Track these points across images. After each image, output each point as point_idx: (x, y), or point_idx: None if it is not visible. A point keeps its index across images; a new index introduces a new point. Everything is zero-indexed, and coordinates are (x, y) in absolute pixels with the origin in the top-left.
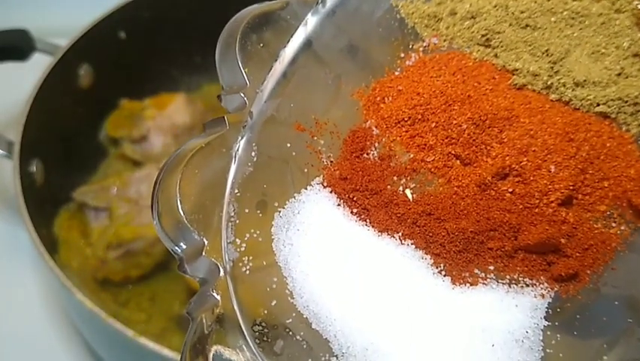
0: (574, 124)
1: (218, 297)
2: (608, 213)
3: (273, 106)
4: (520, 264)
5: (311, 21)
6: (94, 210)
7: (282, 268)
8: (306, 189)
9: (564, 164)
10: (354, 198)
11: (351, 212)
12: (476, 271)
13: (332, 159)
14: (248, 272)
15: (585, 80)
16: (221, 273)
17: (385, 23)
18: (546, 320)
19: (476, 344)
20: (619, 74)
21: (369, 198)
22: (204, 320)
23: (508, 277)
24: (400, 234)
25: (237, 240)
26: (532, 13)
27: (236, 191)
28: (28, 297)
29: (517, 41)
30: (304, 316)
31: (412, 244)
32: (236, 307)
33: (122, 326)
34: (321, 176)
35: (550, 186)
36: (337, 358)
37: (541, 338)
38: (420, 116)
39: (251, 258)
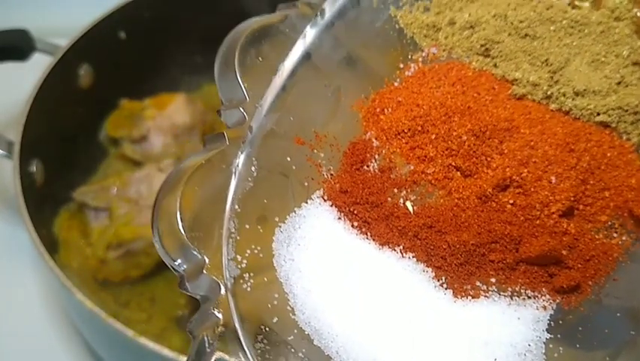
0: (574, 134)
1: (220, 315)
2: (610, 223)
3: (272, 120)
4: (521, 276)
5: (310, 33)
6: (94, 210)
7: (284, 284)
8: (307, 203)
9: (565, 175)
10: (355, 212)
11: (352, 225)
12: (478, 283)
13: (332, 172)
14: (249, 289)
15: (585, 90)
16: (222, 290)
17: (384, 34)
18: (548, 333)
19: (478, 357)
20: (619, 83)
21: (369, 211)
22: (206, 338)
23: (509, 289)
24: (401, 247)
25: (238, 256)
26: (532, 22)
27: (237, 207)
28: (28, 297)
29: (516, 51)
30: (306, 332)
31: (413, 257)
32: (237, 324)
33: (122, 326)
34: (322, 189)
35: (551, 198)
36: None
37: (543, 350)
38: (420, 128)
39: (252, 274)
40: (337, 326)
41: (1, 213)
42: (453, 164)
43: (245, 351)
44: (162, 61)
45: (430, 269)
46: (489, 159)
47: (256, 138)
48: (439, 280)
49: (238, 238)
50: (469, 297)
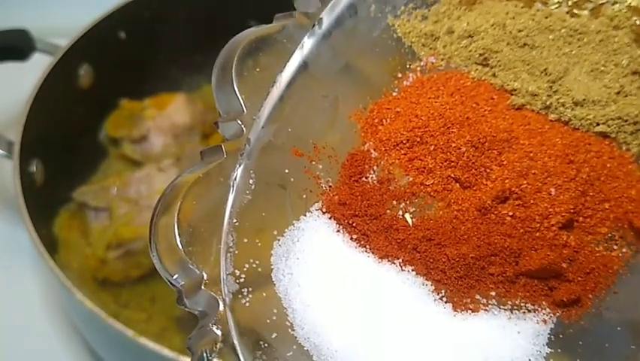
0: (574, 145)
1: (219, 331)
2: (610, 235)
3: (270, 132)
4: (521, 289)
5: (307, 43)
6: (94, 210)
7: (282, 298)
8: (305, 215)
9: (564, 187)
10: (354, 224)
11: (351, 238)
12: (478, 297)
13: (331, 184)
14: (248, 304)
15: (584, 99)
16: (221, 306)
17: (382, 43)
18: (548, 347)
19: None
20: (618, 93)
21: (368, 223)
22: (205, 354)
23: (509, 302)
24: (401, 260)
25: (236, 271)
26: (530, 31)
27: (235, 220)
28: (28, 297)
29: (515, 60)
30: (305, 348)
31: (412, 270)
32: (236, 341)
33: (122, 326)
34: (320, 202)
35: (550, 210)
36: None
37: None
38: (418, 139)
39: (250, 289)
40: (337, 342)
41: (1, 213)
42: (452, 175)
43: None
44: (162, 61)
45: (429, 283)
46: (488, 170)
47: (254, 151)
48: (438, 294)
49: (236, 252)
50: (469, 311)
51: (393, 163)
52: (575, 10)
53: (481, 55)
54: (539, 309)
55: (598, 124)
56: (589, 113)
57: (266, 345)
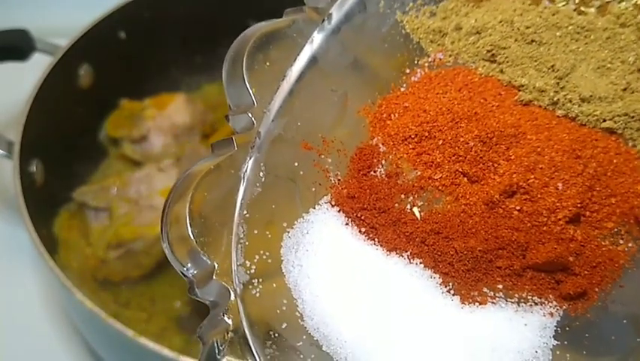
0: (581, 140)
1: (229, 321)
2: (616, 230)
3: (280, 125)
4: (528, 282)
5: (317, 38)
6: (94, 210)
7: (292, 289)
8: (314, 208)
9: (571, 181)
10: (362, 217)
11: (360, 231)
12: (485, 290)
13: (339, 177)
14: (258, 295)
15: (591, 96)
16: (232, 296)
17: (391, 39)
18: (555, 339)
19: None
20: (625, 89)
21: (377, 216)
22: (216, 344)
23: (516, 295)
24: (409, 253)
25: (247, 262)
26: (538, 28)
27: (245, 212)
28: (28, 297)
29: (522, 57)
30: (315, 338)
31: (420, 263)
32: (247, 330)
33: (122, 326)
34: (329, 195)
35: (557, 204)
36: None
37: (550, 357)
38: (427, 134)
39: (261, 280)
40: (346, 332)
41: (1, 213)
42: (460, 170)
43: (254, 357)
44: (162, 61)
45: (437, 275)
46: (496, 165)
47: (264, 144)
48: (446, 287)
49: (247, 243)
50: (477, 303)
51: (401, 157)
52: (582, 8)
53: (488, 51)
54: (546, 302)
55: (605, 120)
56: (596, 109)
57: (276, 335)
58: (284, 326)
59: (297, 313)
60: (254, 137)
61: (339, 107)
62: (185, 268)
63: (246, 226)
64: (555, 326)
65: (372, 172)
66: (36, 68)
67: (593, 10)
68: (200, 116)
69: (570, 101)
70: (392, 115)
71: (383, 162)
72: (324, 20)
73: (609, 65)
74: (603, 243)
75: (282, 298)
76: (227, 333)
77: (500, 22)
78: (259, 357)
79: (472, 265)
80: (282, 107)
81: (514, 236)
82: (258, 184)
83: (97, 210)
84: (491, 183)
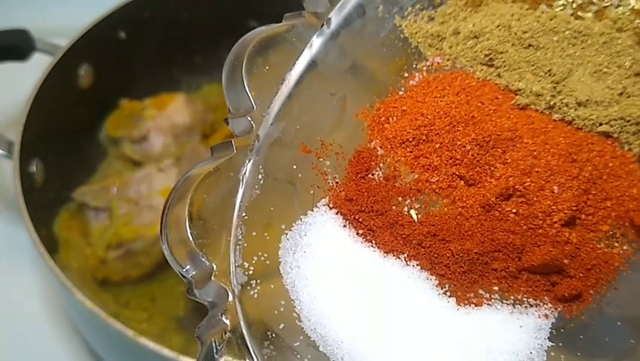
0: (577, 144)
1: (227, 321)
2: (611, 233)
3: (279, 128)
4: (524, 284)
5: (316, 43)
6: (94, 210)
7: (290, 291)
8: (312, 210)
9: (567, 185)
10: (360, 220)
11: (357, 233)
12: (481, 291)
13: (338, 180)
14: (256, 295)
15: (587, 100)
16: (230, 297)
17: (389, 43)
18: (550, 341)
19: None
20: (621, 94)
21: (374, 219)
22: (214, 344)
23: (512, 297)
24: (406, 255)
25: (245, 263)
26: (535, 32)
27: (244, 214)
28: (28, 297)
29: (519, 61)
30: (312, 339)
31: (417, 265)
32: (245, 330)
33: (122, 326)
34: (327, 197)
35: (553, 207)
36: None
37: (545, 358)
38: (424, 137)
39: (259, 281)
40: (342, 333)
41: (1, 213)
42: (457, 173)
43: (252, 357)
44: (162, 61)
45: (433, 277)
46: (492, 168)
47: (263, 147)
48: (442, 288)
49: (245, 245)
50: (472, 305)
51: (399, 160)
52: (579, 13)
53: (486, 55)
54: (541, 304)
55: (601, 124)
56: (592, 113)
57: (274, 335)
58: (281, 326)
59: (295, 314)
60: (253, 140)
61: (337, 110)
62: (184, 270)
63: (245, 228)
64: (550, 328)
65: (370, 175)
66: (36, 68)
67: (590, 15)
68: (200, 116)
69: (567, 105)
70: (390, 118)
71: (381, 165)
72: (323, 25)
73: (606, 70)
74: (598, 246)
75: (279, 299)
76: (225, 333)
77: (498, 26)
78: (256, 357)
79: (468, 267)
80: (281, 111)
81: (510, 239)
82: (256, 187)
83: (97, 210)
84: (488, 187)
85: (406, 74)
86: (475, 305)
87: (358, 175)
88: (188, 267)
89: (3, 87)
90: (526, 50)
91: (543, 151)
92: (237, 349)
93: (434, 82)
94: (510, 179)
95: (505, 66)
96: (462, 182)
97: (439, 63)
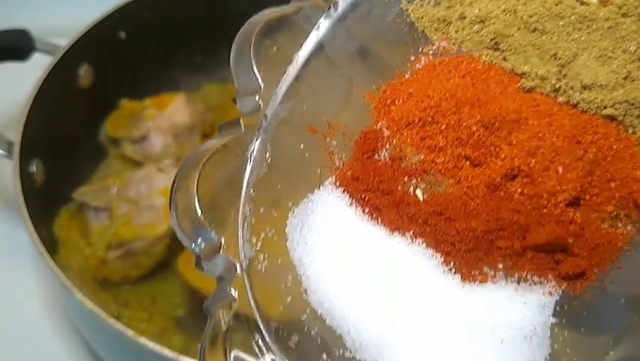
0: (581, 126)
1: (235, 294)
2: (615, 213)
3: (286, 108)
4: (528, 263)
5: (323, 25)
6: (94, 210)
7: (297, 266)
8: (319, 189)
9: (572, 165)
10: (366, 198)
11: (363, 212)
12: (485, 269)
13: (344, 160)
14: (263, 270)
15: (592, 84)
16: (238, 270)
17: (396, 27)
18: (554, 317)
19: (486, 340)
20: (626, 78)
21: (380, 198)
22: (222, 316)
23: (516, 275)
24: (411, 233)
25: (253, 238)
26: (541, 17)
27: (252, 191)
28: (28, 297)
29: (525, 45)
30: (318, 312)
31: (422, 242)
32: (252, 303)
33: (122, 326)
34: (334, 176)
35: (558, 187)
36: (351, 352)
37: (549, 334)
38: (430, 119)
39: (266, 256)
40: (348, 308)
41: (1, 213)
42: (462, 154)
43: (260, 329)
44: (162, 61)
45: (439, 255)
46: (498, 149)
47: (270, 126)
48: (447, 266)
49: (253, 220)
50: (477, 282)
51: (405, 142)
52: None
53: (492, 39)
54: (545, 282)
55: (605, 107)
56: (597, 96)
57: (281, 308)
58: (288, 300)
59: (302, 289)
60: (261, 119)
61: (344, 92)
62: (192, 243)
63: (253, 205)
64: (554, 305)
65: (376, 156)
66: (36, 68)
67: (595, 0)
68: (200, 116)
69: (572, 89)
70: (396, 100)
71: (387, 145)
72: (330, 7)
73: (610, 54)
74: (602, 226)
75: (286, 274)
76: (233, 305)
77: (504, 11)
78: (264, 329)
79: (473, 245)
80: (289, 91)
81: (514, 218)
82: (264, 165)
83: (97, 210)
84: (493, 167)
85: (412, 58)
86: (480, 282)
87: (365, 155)
88: (197, 240)
89: (3, 87)
90: (531, 34)
91: (548, 133)
92: (246, 324)
93: (440, 65)
94: (515, 160)
95: (510, 50)
96: (467, 162)
97: (445, 47)
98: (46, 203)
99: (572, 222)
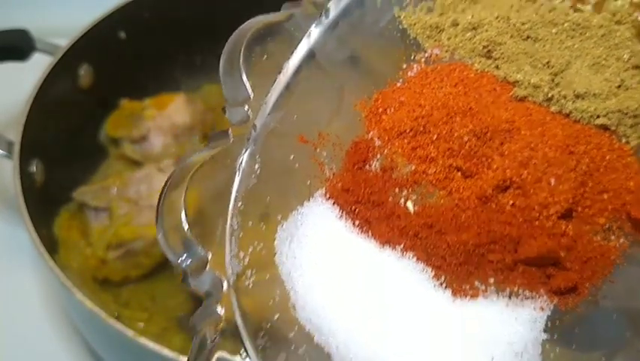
0: (574, 136)
1: (222, 311)
2: (608, 225)
3: (276, 118)
4: (520, 277)
5: (314, 33)
6: (94, 210)
7: (285, 281)
8: (309, 201)
9: (564, 177)
10: (356, 211)
11: (353, 224)
12: (477, 283)
13: (334, 171)
14: (251, 285)
15: (585, 92)
16: (225, 286)
17: (388, 34)
18: (545, 333)
19: (476, 356)
20: (619, 86)
21: (371, 210)
22: (208, 333)
23: (508, 289)
24: (402, 246)
25: (241, 253)
26: (534, 24)
27: (240, 204)
28: (28, 297)
29: (518, 53)
30: (306, 329)
31: (413, 256)
32: (239, 320)
33: (122, 326)
34: (324, 188)
35: (550, 199)
36: None
37: (540, 351)
38: (422, 128)
39: (254, 271)
40: (337, 323)
41: (1, 213)
42: (454, 164)
43: (246, 347)
44: (162, 61)
45: (429, 268)
46: (489, 160)
47: (260, 136)
48: (438, 280)
49: (241, 234)
50: (468, 296)
51: (396, 152)
52: (578, 5)
53: (484, 47)
54: (537, 296)
55: (598, 117)
56: (590, 105)
57: (268, 325)
58: (276, 316)
59: (290, 304)
60: (250, 129)
61: (335, 101)
62: (178, 258)
63: (241, 218)
64: (546, 320)
65: (367, 166)
66: (36, 68)
67: (588, 7)
68: (200, 116)
69: (564, 98)
70: (388, 109)
71: (378, 156)
72: (321, 15)
73: (604, 62)
74: (595, 238)
75: (274, 290)
76: (220, 323)
77: (497, 18)
78: (251, 347)
79: (464, 259)
80: (279, 101)
81: (506, 230)
82: (253, 176)
83: (97, 210)
84: (485, 178)
85: (404, 66)
86: (471, 297)
87: (355, 166)
88: (183, 256)
89: (3, 87)
90: (524, 41)
91: (540, 143)
92: (232, 340)
93: (432, 73)
94: (507, 171)
95: (503, 58)
96: (459, 173)
97: (437, 54)
98: (46, 203)
99: (564, 234)
